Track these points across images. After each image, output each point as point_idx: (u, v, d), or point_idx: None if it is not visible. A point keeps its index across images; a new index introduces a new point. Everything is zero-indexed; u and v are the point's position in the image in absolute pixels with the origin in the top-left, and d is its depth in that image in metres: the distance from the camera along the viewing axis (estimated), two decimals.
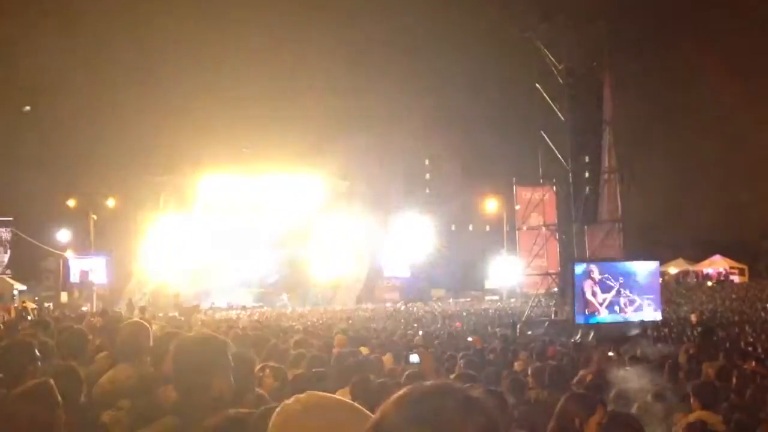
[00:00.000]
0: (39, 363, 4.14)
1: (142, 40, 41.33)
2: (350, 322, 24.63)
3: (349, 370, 5.44)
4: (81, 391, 3.93)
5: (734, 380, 7.16)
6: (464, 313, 30.15)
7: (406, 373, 5.69)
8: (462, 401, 1.27)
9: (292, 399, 1.71)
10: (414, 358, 5.77)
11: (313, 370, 5.50)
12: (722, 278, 46.30)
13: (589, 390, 5.59)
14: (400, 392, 1.31)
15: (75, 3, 43.10)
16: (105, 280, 40.59)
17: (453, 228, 48.07)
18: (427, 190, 58.86)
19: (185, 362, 2.83)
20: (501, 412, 3.63)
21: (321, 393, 1.78)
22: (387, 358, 7.45)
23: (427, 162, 61.72)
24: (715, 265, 48.10)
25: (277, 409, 1.70)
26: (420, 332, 17.55)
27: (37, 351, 4.23)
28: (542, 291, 26.11)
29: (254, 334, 9.61)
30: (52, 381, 3.15)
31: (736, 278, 46.57)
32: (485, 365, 8.78)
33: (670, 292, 33.93)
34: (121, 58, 42.45)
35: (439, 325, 23.98)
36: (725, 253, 47.92)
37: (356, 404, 1.70)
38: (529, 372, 6.92)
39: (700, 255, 48.43)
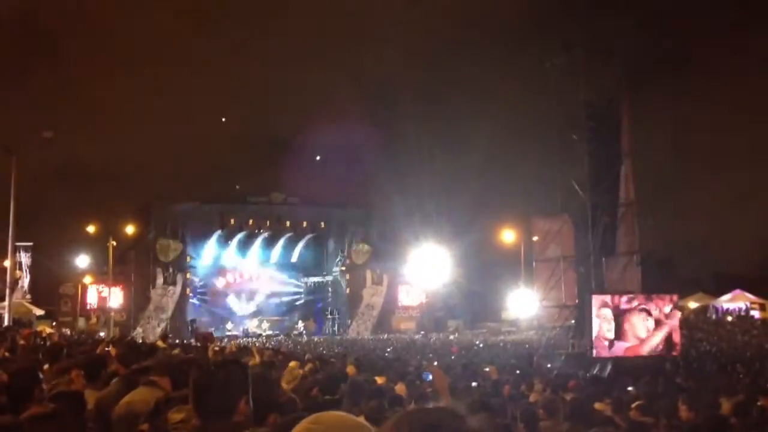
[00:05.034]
0: (44, 385, 4.19)
1: (166, 66, 41.99)
2: (365, 351, 24.53)
3: (363, 397, 5.42)
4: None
5: (754, 416, 7.05)
6: (480, 344, 29.90)
7: (419, 394, 5.67)
8: (458, 425, 1.29)
9: (311, 418, 1.71)
10: (427, 375, 5.75)
11: (326, 397, 5.49)
12: (742, 313, 45.61)
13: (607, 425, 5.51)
14: (401, 412, 1.33)
15: (102, 24, 43.95)
16: (123, 306, 40.79)
17: (469, 259, 47.80)
18: (444, 221, 58.75)
19: (208, 387, 2.84)
20: None
21: (340, 413, 1.79)
22: (400, 387, 7.42)
23: (443, 192, 61.74)
24: (736, 300, 47.43)
25: (296, 428, 1.71)
26: (435, 363, 17.47)
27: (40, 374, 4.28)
28: (559, 323, 25.85)
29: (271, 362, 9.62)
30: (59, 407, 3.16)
31: (756, 314, 45.85)
32: (500, 396, 8.71)
33: (689, 326, 33.44)
34: (146, 81, 43.10)
35: (453, 358, 23.82)
36: (746, 288, 47.29)
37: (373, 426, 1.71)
38: (542, 404, 6.84)
39: (720, 289, 47.80)
